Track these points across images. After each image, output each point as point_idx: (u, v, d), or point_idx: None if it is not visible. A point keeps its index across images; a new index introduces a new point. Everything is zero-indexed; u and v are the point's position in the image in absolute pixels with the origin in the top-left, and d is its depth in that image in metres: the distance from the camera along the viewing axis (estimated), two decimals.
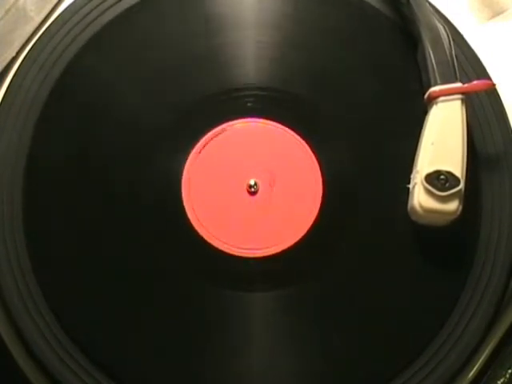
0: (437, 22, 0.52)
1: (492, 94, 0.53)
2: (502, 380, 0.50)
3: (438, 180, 0.49)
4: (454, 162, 0.49)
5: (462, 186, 0.49)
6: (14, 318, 0.50)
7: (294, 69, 0.54)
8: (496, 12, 0.59)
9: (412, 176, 0.50)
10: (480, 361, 0.51)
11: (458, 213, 0.49)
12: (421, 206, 0.49)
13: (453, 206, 0.49)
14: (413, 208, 0.50)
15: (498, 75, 0.54)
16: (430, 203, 0.49)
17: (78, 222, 0.51)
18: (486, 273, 0.51)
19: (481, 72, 0.54)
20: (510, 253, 0.51)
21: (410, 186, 0.50)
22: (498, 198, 0.52)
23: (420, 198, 0.49)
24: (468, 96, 0.52)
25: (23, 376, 0.51)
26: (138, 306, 0.50)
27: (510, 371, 0.50)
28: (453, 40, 0.53)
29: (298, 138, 0.53)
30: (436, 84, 0.51)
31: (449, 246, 0.51)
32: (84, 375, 0.49)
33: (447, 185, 0.49)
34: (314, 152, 0.52)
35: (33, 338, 0.49)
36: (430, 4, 0.54)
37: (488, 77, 0.54)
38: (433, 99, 0.51)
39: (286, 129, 0.53)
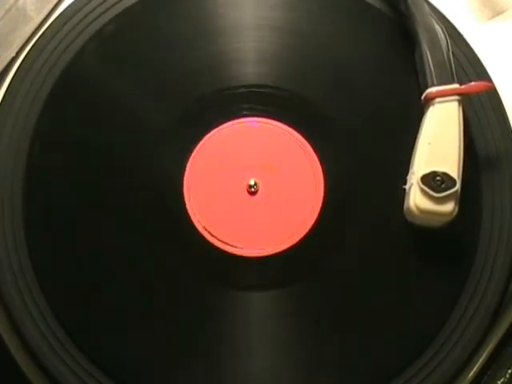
0: (434, 22, 0.53)
1: (492, 94, 0.54)
2: (501, 380, 0.51)
3: (434, 181, 0.49)
4: (451, 163, 0.50)
5: (458, 187, 0.49)
6: (13, 317, 0.51)
7: (293, 69, 0.55)
8: (496, 12, 0.59)
9: (408, 177, 0.51)
10: (480, 361, 0.51)
11: (454, 214, 0.50)
12: (417, 207, 0.50)
13: (449, 207, 0.49)
14: (409, 209, 0.50)
15: (498, 75, 0.55)
16: (426, 204, 0.49)
17: (78, 222, 0.52)
18: (486, 273, 0.52)
19: (481, 72, 0.55)
20: (510, 253, 0.52)
21: (407, 186, 0.51)
22: (498, 198, 0.53)
23: (416, 199, 0.50)
24: (468, 96, 0.53)
25: (23, 376, 0.51)
26: (138, 306, 0.51)
27: (509, 371, 0.51)
28: (453, 40, 0.54)
29: (299, 137, 0.54)
30: (433, 85, 0.51)
31: (449, 246, 0.52)
32: (84, 375, 0.50)
33: (443, 186, 0.49)
34: (314, 152, 0.53)
35: (33, 338, 0.51)
36: (429, 4, 0.55)
37: (488, 77, 0.55)
38: (429, 100, 0.51)
39: (286, 128, 0.54)
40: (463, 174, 0.50)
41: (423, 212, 0.50)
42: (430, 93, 0.51)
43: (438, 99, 0.51)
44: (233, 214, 0.53)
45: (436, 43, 0.52)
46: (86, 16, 0.55)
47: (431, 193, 0.49)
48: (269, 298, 0.51)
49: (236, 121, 0.54)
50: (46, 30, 0.56)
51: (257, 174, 0.53)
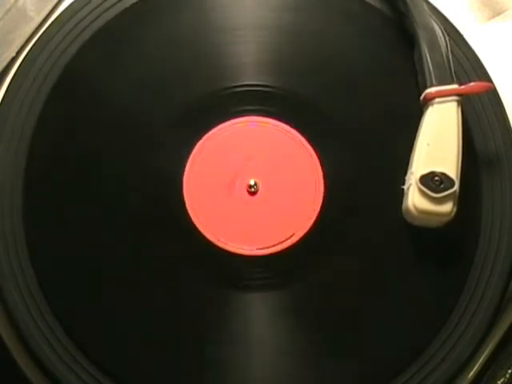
0: (434, 22, 0.53)
1: (492, 94, 0.54)
2: (501, 380, 0.52)
3: (433, 181, 0.50)
4: (449, 163, 0.50)
5: (456, 187, 0.50)
6: (14, 318, 0.51)
7: (294, 68, 0.55)
8: (496, 12, 0.60)
9: (407, 177, 0.51)
10: (480, 361, 0.52)
11: (453, 214, 0.50)
12: (415, 208, 0.50)
13: (447, 207, 0.50)
14: (407, 209, 0.51)
15: (498, 75, 0.55)
16: (425, 205, 0.50)
17: (78, 222, 0.52)
18: (485, 273, 0.52)
19: (481, 72, 0.55)
20: (510, 253, 0.52)
21: (405, 187, 0.51)
22: (498, 198, 0.53)
23: (414, 199, 0.50)
24: (468, 96, 0.53)
25: (23, 376, 0.52)
26: (138, 306, 0.51)
27: (509, 371, 0.52)
28: (453, 40, 0.54)
29: (299, 137, 0.54)
30: (432, 85, 0.52)
31: (449, 246, 0.52)
32: (84, 375, 0.51)
33: (442, 186, 0.49)
34: (314, 152, 0.54)
35: (33, 338, 0.51)
36: (429, 4, 0.55)
37: (488, 77, 0.55)
38: (428, 100, 0.52)
39: (286, 128, 0.54)
40: (463, 174, 0.51)
41: (421, 212, 0.50)
42: (429, 93, 0.52)
43: (437, 99, 0.51)
44: (233, 213, 0.53)
45: (435, 43, 0.52)
46: (85, 16, 0.56)
47: (430, 193, 0.50)
48: (269, 297, 0.52)
49: (236, 121, 0.54)
50: (46, 29, 0.56)
51: (257, 174, 0.53)
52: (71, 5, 0.56)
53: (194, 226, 0.53)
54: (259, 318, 0.51)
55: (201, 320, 0.51)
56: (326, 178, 0.53)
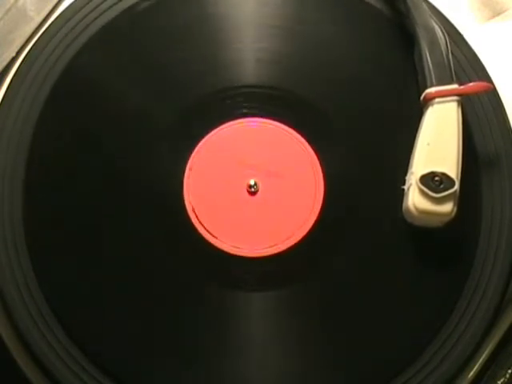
0: (434, 22, 0.53)
1: (492, 94, 0.54)
2: (501, 380, 0.52)
3: (433, 181, 0.50)
4: (449, 163, 0.50)
5: (456, 187, 0.50)
6: (14, 318, 0.51)
7: (293, 69, 0.55)
8: (496, 12, 0.60)
9: (407, 177, 0.52)
10: (480, 361, 0.52)
11: (453, 214, 0.50)
12: (415, 208, 0.50)
13: (447, 207, 0.50)
14: (407, 209, 0.51)
15: (498, 75, 0.55)
16: (425, 204, 0.50)
17: (78, 222, 0.52)
18: (486, 273, 0.52)
19: (481, 72, 0.55)
20: (510, 253, 0.52)
21: (405, 187, 0.52)
22: (498, 198, 0.53)
23: (415, 199, 0.50)
24: (468, 96, 0.53)
25: (23, 376, 0.52)
26: (138, 306, 0.51)
27: (509, 371, 0.52)
28: (452, 40, 0.54)
29: (299, 137, 0.54)
30: (432, 85, 0.52)
31: (449, 246, 0.52)
32: (84, 375, 0.51)
33: (442, 186, 0.50)
34: (314, 152, 0.54)
35: (33, 338, 0.51)
36: (429, 4, 0.55)
37: (488, 77, 0.55)
38: (428, 100, 0.52)
39: (286, 128, 0.54)
40: (463, 174, 0.51)
41: (422, 212, 0.50)
42: (429, 93, 0.52)
43: (437, 99, 0.52)
44: (233, 213, 0.53)
45: (435, 43, 0.52)
46: (85, 16, 0.56)
47: (430, 193, 0.50)
48: (269, 297, 0.52)
49: (236, 121, 0.54)
50: (46, 29, 0.56)
51: (257, 174, 0.54)
52: (71, 5, 0.57)
53: (194, 226, 0.53)
54: (259, 318, 0.51)
55: (201, 320, 0.51)
56: (326, 178, 0.53)
